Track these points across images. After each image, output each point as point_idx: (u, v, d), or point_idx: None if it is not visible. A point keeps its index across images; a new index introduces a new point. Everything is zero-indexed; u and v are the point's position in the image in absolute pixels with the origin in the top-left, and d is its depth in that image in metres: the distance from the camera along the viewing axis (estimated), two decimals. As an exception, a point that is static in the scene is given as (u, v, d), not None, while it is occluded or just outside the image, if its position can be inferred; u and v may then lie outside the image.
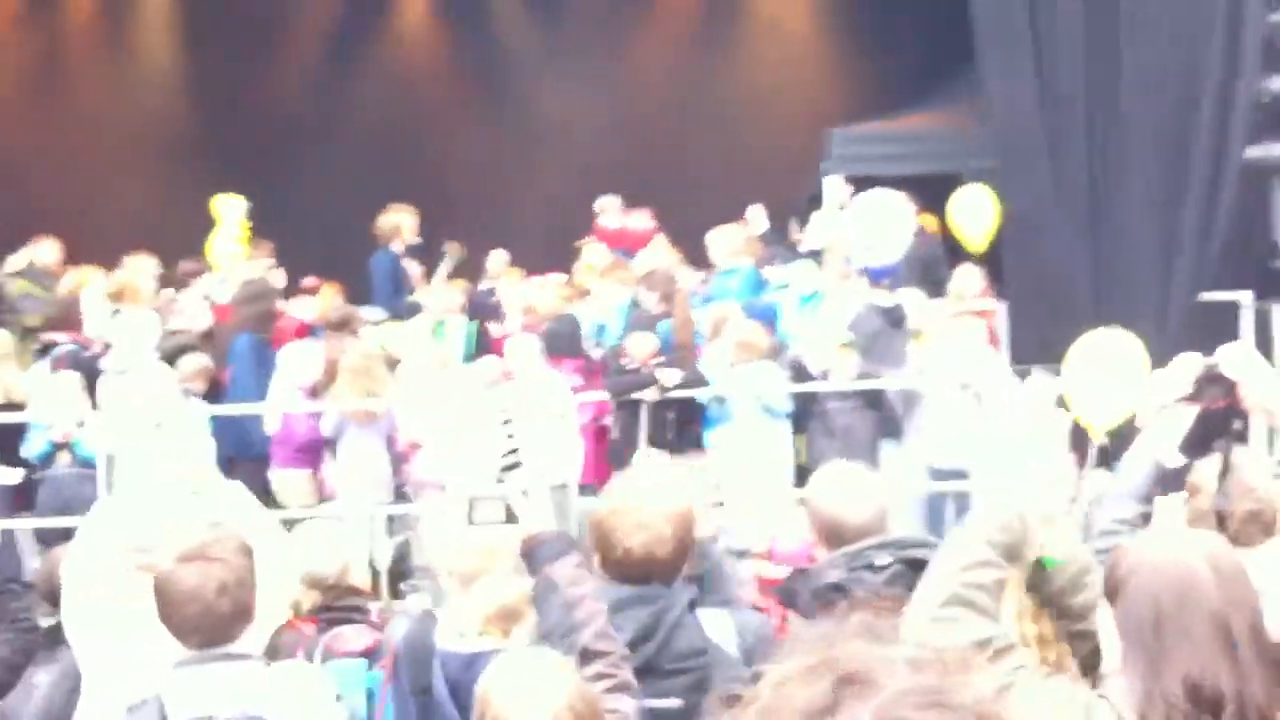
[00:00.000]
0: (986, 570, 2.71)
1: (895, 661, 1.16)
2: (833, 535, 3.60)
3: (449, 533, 4.00)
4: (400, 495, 9.20)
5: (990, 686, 1.15)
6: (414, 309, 10.93)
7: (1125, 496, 3.23)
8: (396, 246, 11.07)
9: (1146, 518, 3.20)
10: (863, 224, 9.87)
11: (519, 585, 3.83)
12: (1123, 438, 7.46)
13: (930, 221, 11.67)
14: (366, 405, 8.96)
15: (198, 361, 9.52)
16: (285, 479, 9.24)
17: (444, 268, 11.74)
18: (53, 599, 4.95)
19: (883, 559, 3.43)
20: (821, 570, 3.49)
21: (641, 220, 11.95)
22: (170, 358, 9.83)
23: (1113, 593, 2.56)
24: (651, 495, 3.41)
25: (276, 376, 9.51)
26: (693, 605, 3.42)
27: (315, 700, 3.30)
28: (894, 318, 9.79)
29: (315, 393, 9.36)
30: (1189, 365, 3.20)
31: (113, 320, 9.86)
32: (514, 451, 8.36)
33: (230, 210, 12.15)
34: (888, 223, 9.80)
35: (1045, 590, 2.98)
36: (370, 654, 4.51)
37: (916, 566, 3.38)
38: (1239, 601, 2.48)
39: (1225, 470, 3.26)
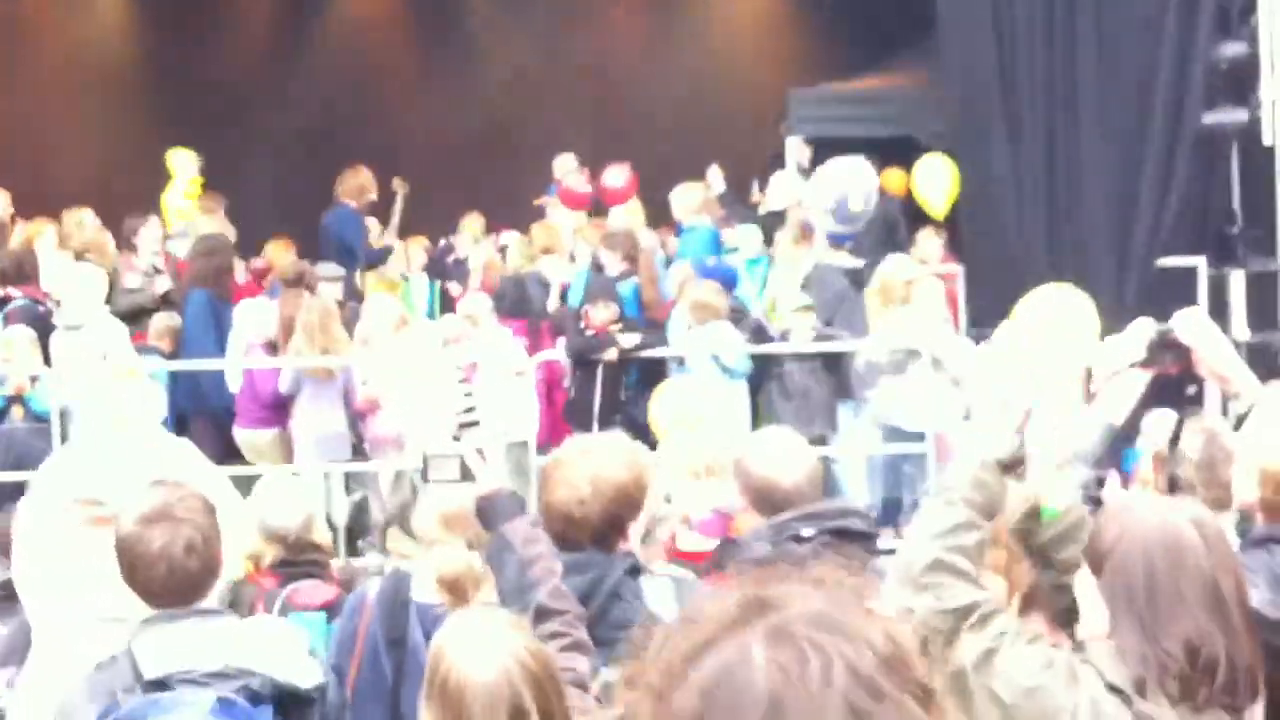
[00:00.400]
0: (968, 533, 2.72)
1: (806, 591, 1.22)
2: (763, 500, 3.61)
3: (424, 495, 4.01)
4: (357, 453, 9.18)
5: (895, 628, 1.20)
6: (384, 254, 11.20)
7: (1077, 460, 3.25)
8: (356, 204, 11.10)
9: (1100, 482, 3.22)
10: (829, 189, 9.86)
11: (467, 558, 3.90)
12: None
13: (892, 182, 11.70)
14: (323, 362, 8.92)
15: (167, 320, 9.44)
16: (253, 438, 9.16)
17: (397, 205, 11.82)
18: (8, 553, 4.94)
19: (808, 530, 3.45)
20: (748, 543, 3.50)
21: (620, 176, 11.89)
22: (128, 315, 9.76)
23: (1099, 558, 2.58)
24: (585, 457, 3.39)
25: (233, 334, 9.44)
26: (635, 573, 3.40)
27: (291, 654, 3.29)
28: (857, 280, 9.82)
29: (274, 349, 9.30)
30: (1143, 330, 3.22)
31: (63, 275, 9.76)
32: (471, 410, 8.39)
33: (183, 165, 12.05)
34: (855, 188, 9.80)
35: (1035, 540, 2.97)
36: (330, 608, 4.59)
37: (843, 536, 3.44)
38: (1226, 565, 2.52)
39: (1175, 439, 3.29)
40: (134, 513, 3.29)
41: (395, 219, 11.79)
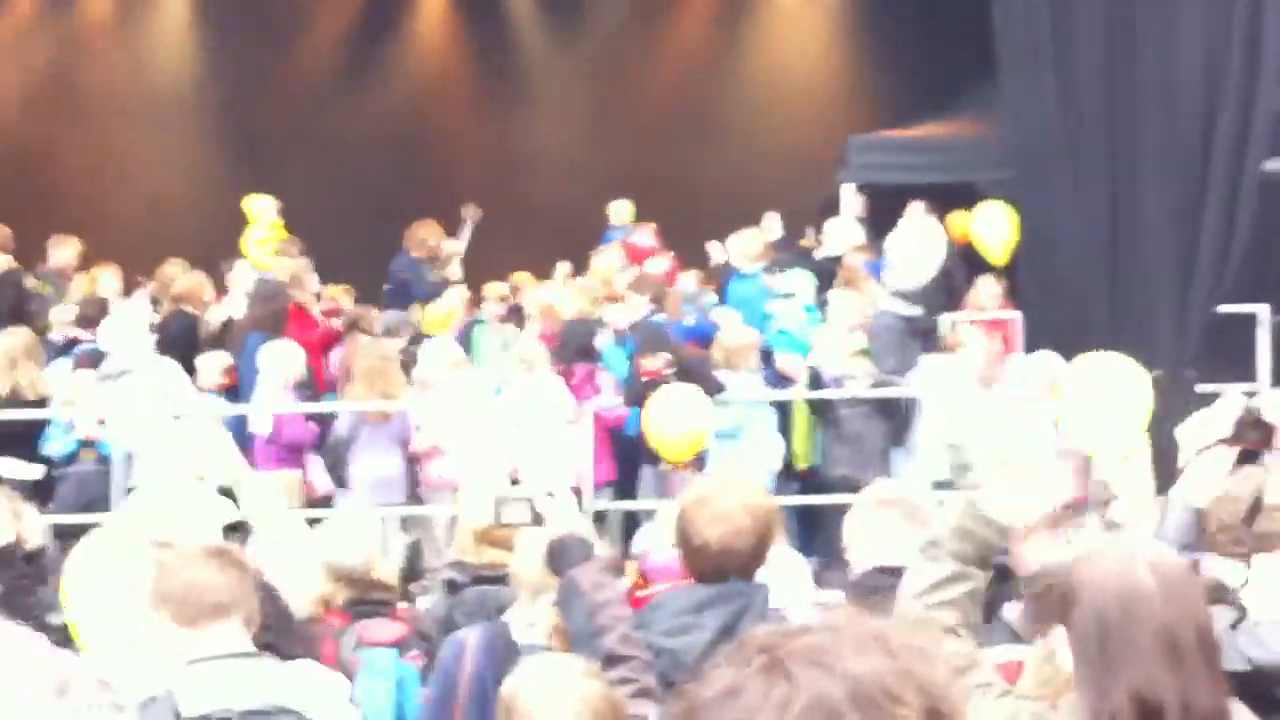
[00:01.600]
0: (955, 585, 2.71)
1: (828, 630, 1.28)
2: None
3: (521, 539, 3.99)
4: (413, 497, 9.21)
5: (880, 663, 1.24)
6: (441, 288, 11.52)
7: (1165, 543, 3.22)
8: (419, 253, 11.76)
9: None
10: (900, 250, 9.91)
11: None
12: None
13: (952, 229, 11.69)
14: (381, 406, 8.97)
15: (221, 360, 9.50)
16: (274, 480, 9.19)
17: (465, 231, 12.43)
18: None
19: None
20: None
21: (645, 237, 12.02)
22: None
23: (1066, 611, 2.55)
24: (731, 489, 3.48)
25: (262, 376, 9.46)
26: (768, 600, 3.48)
27: (329, 698, 3.30)
28: (914, 326, 9.80)
29: (302, 392, 9.35)
30: (1232, 407, 3.20)
31: (109, 321, 9.90)
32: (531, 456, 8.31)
33: (263, 210, 12.23)
34: (924, 249, 9.84)
35: None
36: (400, 644, 4.62)
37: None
38: (1186, 611, 2.46)
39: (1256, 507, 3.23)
40: (184, 554, 3.37)
41: (463, 240, 12.36)
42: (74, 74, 15.18)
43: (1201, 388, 9.86)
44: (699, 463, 8.74)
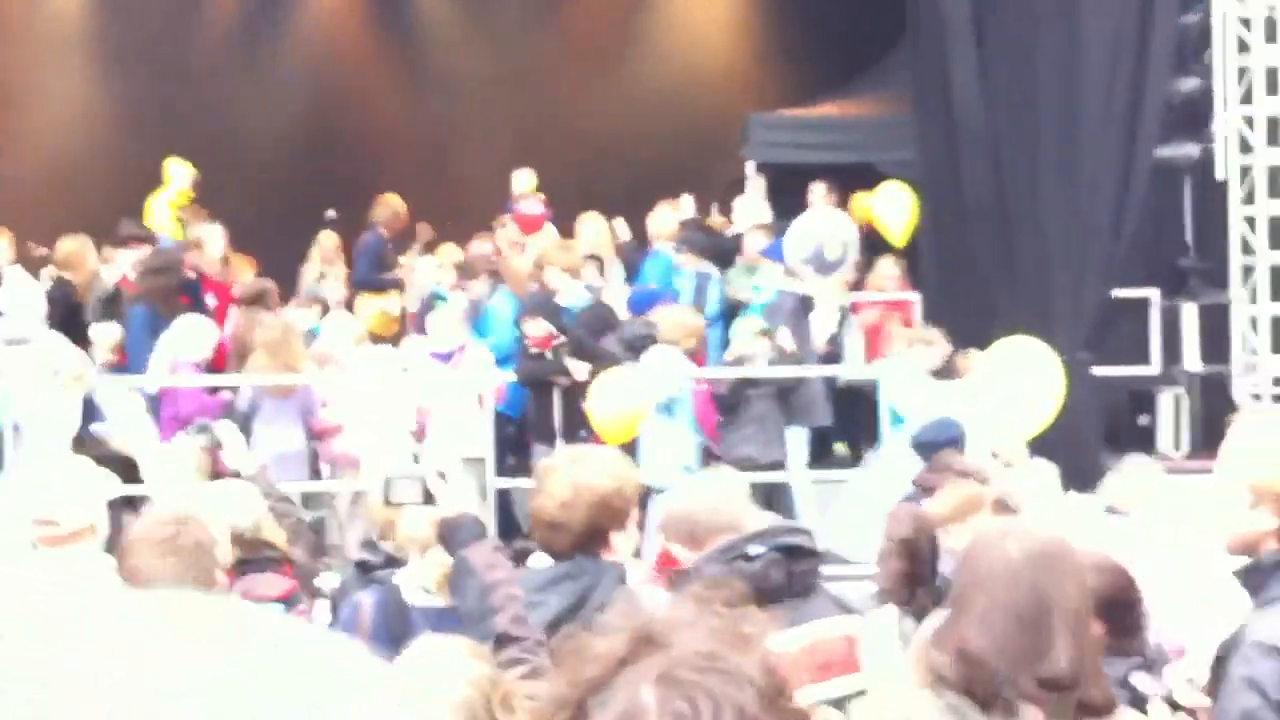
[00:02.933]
0: None
1: (692, 627, 1.26)
2: (688, 536, 3.70)
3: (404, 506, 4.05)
4: (315, 473, 9.13)
5: (771, 659, 1.25)
6: (384, 284, 11.37)
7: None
8: (384, 230, 11.65)
9: None
10: (806, 239, 9.96)
11: None
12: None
13: (854, 211, 11.82)
14: (282, 380, 8.87)
15: (111, 333, 9.33)
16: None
17: (416, 249, 12.16)
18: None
19: (756, 549, 3.53)
20: (699, 567, 3.55)
21: (534, 205, 12.00)
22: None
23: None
24: (573, 465, 3.47)
25: (161, 347, 9.31)
26: (622, 581, 3.46)
27: None
28: (808, 305, 9.89)
29: (205, 369, 9.22)
30: None
31: (6, 288, 9.70)
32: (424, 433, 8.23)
33: (178, 175, 12.02)
34: (831, 237, 9.93)
35: None
36: (286, 599, 4.68)
37: (790, 553, 3.54)
38: (1049, 585, 2.64)
39: None
40: (145, 548, 3.39)
41: (413, 257, 11.99)
42: None
43: (1097, 371, 10.09)
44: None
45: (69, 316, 9.68)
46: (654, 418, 8.96)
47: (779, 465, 8.89)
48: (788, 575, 3.55)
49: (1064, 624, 2.62)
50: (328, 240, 11.74)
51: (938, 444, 6.24)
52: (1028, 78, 10.26)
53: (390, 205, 11.66)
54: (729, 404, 9.20)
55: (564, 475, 3.41)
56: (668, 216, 11.35)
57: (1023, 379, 7.21)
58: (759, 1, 15.29)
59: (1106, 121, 10.14)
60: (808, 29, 14.12)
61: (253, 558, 4.80)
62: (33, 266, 10.72)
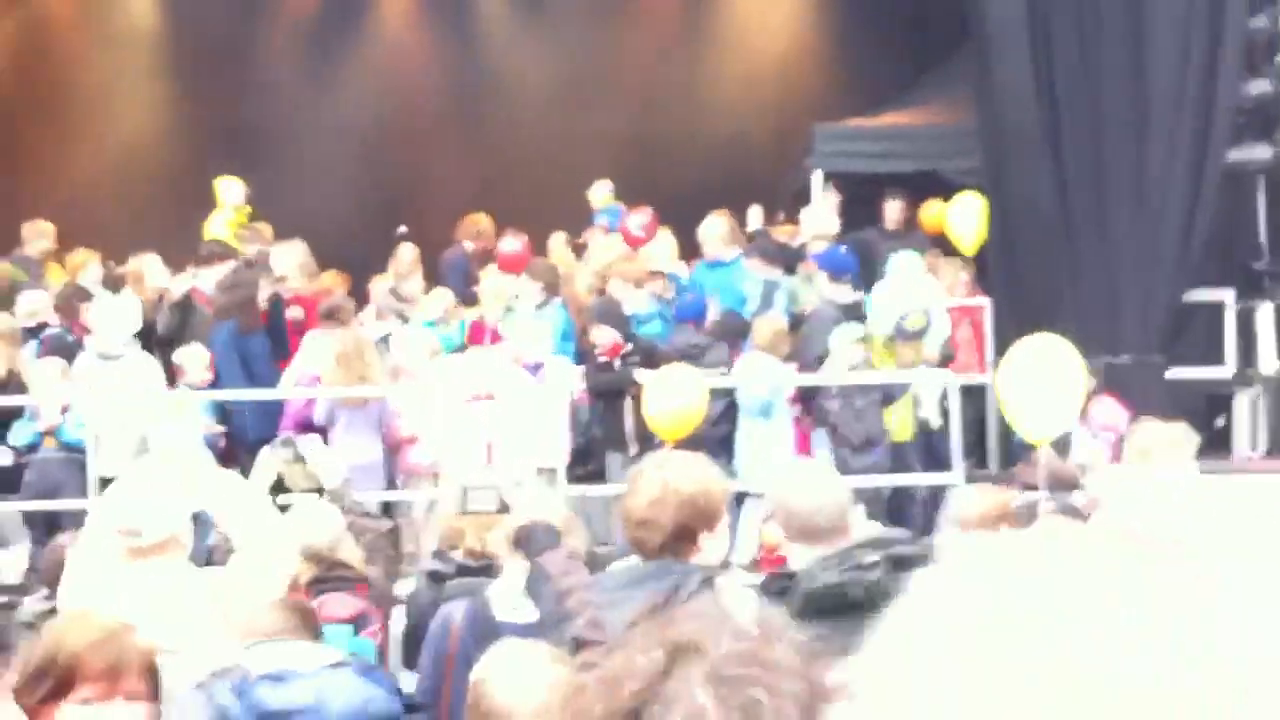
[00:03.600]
0: None
1: (720, 631, 1.28)
2: (805, 532, 3.75)
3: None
4: (390, 483, 9.24)
5: (801, 651, 1.28)
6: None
7: None
8: (470, 245, 11.93)
9: None
10: (889, 309, 10.00)
11: None
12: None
13: (925, 220, 11.83)
14: (358, 392, 9.00)
15: (203, 355, 9.48)
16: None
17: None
18: (53, 584, 5.04)
19: (870, 557, 3.55)
20: (813, 573, 3.59)
21: (635, 221, 12.08)
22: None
23: None
24: (660, 469, 3.52)
25: (295, 361, 9.51)
26: (710, 584, 3.47)
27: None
28: (853, 314, 9.96)
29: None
30: None
31: (95, 305, 9.91)
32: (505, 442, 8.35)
33: (230, 192, 12.18)
34: (913, 304, 9.95)
35: None
36: (356, 620, 4.80)
37: (900, 562, 3.54)
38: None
39: None
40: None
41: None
42: (38, 60, 15.06)
43: (1171, 374, 10.02)
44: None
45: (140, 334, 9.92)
46: (750, 422, 9.03)
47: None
48: (898, 584, 3.56)
49: None
50: (406, 253, 11.81)
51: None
52: (1093, 82, 10.21)
53: (476, 223, 11.80)
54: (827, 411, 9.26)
55: (653, 476, 3.47)
56: (719, 226, 11.36)
57: (1044, 377, 7.19)
58: (823, 11, 15.27)
59: (1176, 125, 10.08)
60: (872, 38, 14.10)
61: (328, 576, 4.89)
62: (114, 284, 10.93)
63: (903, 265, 10.34)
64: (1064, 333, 9.45)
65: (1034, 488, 6.12)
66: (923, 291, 10.17)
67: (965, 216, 11.27)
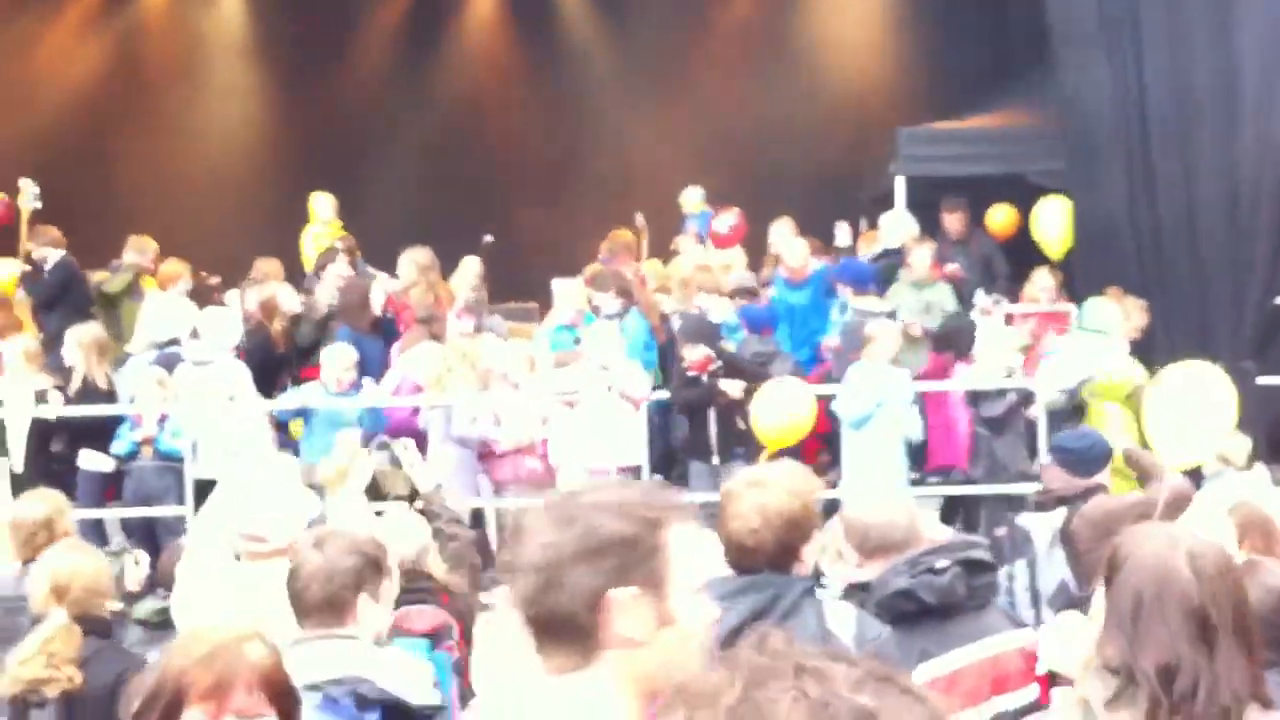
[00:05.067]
0: None
1: (813, 651, 1.35)
2: (877, 549, 3.84)
3: None
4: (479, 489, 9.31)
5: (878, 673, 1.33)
6: None
7: None
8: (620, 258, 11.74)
9: None
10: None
11: None
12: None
13: (1003, 221, 11.76)
14: (453, 400, 9.10)
15: (350, 355, 9.56)
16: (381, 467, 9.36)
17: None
18: (168, 586, 5.16)
19: (942, 563, 3.61)
20: (886, 580, 3.64)
21: (721, 223, 12.10)
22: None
23: (1108, 580, 2.77)
24: (754, 489, 3.52)
25: (395, 367, 9.66)
26: (811, 593, 3.52)
27: (409, 676, 3.53)
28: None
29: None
30: None
31: (199, 314, 10.11)
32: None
33: (322, 208, 12.39)
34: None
35: None
36: (434, 634, 4.78)
37: (971, 566, 3.63)
38: (1222, 598, 2.65)
39: None
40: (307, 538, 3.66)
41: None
42: (133, 69, 15.33)
43: (1262, 380, 9.90)
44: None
45: (264, 344, 10.15)
46: (856, 431, 9.02)
47: (1031, 476, 8.93)
48: (968, 589, 3.61)
49: (1236, 639, 2.64)
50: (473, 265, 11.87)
51: (1085, 457, 6.22)
52: (1180, 84, 10.12)
53: (620, 238, 11.77)
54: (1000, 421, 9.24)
55: (749, 501, 3.47)
56: (802, 246, 11.40)
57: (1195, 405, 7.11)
58: (905, 13, 15.21)
59: (1267, 127, 9.95)
60: (955, 41, 14.03)
61: (410, 588, 4.86)
62: (203, 296, 11.12)
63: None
64: (1153, 338, 9.40)
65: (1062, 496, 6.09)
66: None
67: (1052, 221, 11.20)
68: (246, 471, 4.61)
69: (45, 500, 5.79)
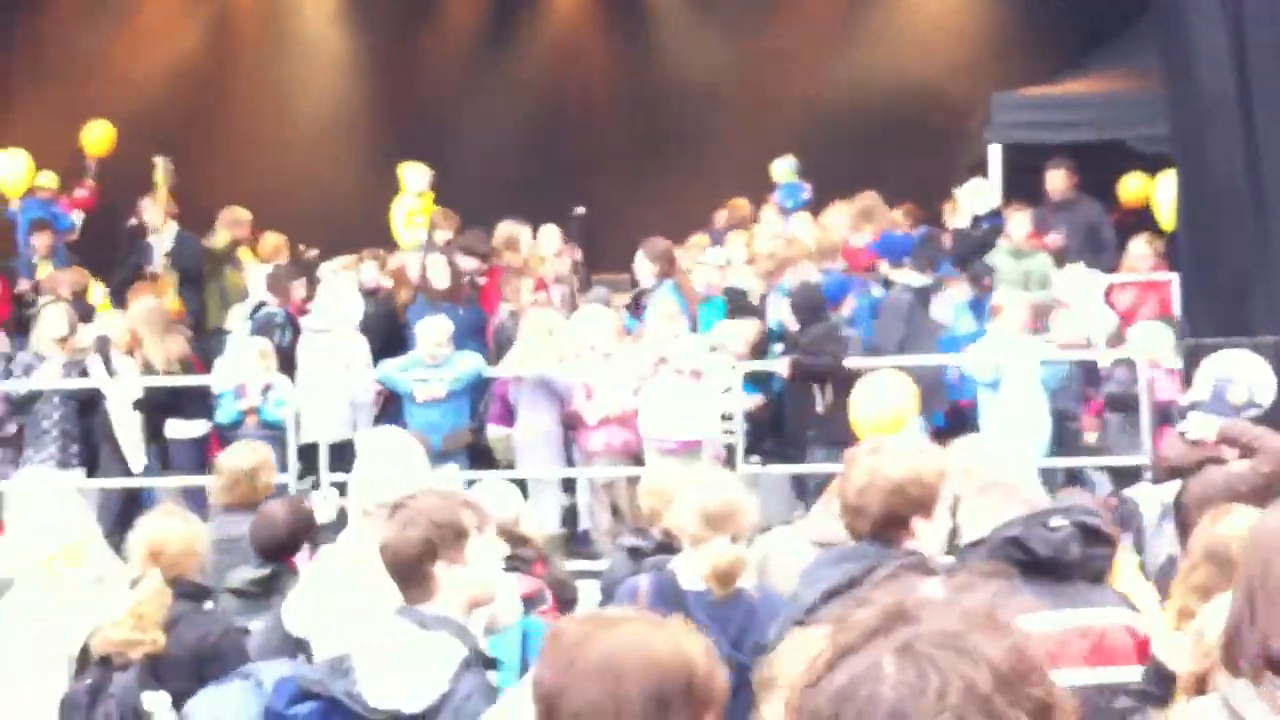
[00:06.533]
0: None
1: (945, 607, 1.36)
2: (984, 488, 3.75)
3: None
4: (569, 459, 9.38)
5: (1022, 646, 1.33)
6: None
7: None
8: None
9: None
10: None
11: (736, 550, 4.39)
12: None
13: (1124, 193, 11.59)
14: (541, 370, 9.17)
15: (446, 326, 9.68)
16: (492, 434, 9.54)
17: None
18: (266, 553, 5.29)
19: (1058, 521, 3.59)
20: (1000, 530, 3.61)
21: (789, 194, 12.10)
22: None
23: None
24: (872, 455, 3.57)
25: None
26: (917, 569, 3.51)
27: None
28: (923, 298, 9.81)
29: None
30: None
31: (323, 283, 10.29)
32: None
33: (415, 179, 12.46)
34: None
35: None
36: (529, 600, 4.84)
37: (1086, 531, 3.60)
38: None
39: None
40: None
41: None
42: (222, 60, 15.51)
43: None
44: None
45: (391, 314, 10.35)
46: (991, 399, 8.93)
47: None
48: (1083, 555, 3.58)
49: None
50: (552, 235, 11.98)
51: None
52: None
53: (739, 209, 11.97)
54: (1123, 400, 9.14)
55: (864, 463, 3.53)
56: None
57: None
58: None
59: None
60: (1048, 4, 13.83)
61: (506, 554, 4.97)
62: (301, 269, 11.27)
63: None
64: (1250, 310, 9.20)
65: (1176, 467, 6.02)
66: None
67: (1169, 190, 10.97)
68: (377, 440, 4.66)
69: (254, 451, 6.17)
